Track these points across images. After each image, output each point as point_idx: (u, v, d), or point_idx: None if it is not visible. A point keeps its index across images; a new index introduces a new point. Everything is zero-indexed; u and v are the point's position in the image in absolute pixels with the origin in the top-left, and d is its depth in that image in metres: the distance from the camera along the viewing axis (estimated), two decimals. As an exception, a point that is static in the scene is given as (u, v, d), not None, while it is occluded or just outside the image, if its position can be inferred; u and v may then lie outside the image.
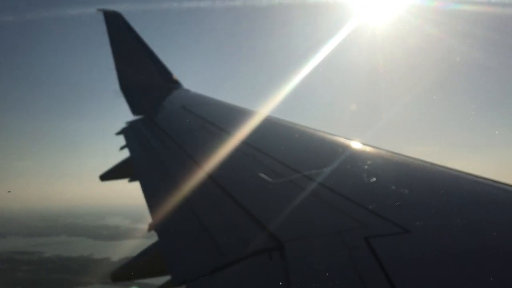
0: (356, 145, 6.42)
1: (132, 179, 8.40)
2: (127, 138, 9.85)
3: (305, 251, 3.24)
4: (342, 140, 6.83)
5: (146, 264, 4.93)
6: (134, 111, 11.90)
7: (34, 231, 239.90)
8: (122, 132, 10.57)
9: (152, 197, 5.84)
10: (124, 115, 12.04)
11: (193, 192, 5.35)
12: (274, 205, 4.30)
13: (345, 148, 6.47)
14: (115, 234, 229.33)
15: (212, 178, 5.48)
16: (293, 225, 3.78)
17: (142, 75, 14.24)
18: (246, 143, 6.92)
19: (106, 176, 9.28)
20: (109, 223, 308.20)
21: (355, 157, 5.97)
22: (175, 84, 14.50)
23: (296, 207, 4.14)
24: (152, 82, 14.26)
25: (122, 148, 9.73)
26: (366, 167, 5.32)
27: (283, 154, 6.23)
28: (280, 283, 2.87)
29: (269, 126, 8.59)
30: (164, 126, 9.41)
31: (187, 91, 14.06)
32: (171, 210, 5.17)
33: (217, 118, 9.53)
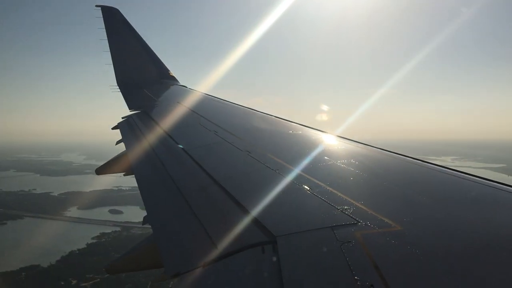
0: (347, 142, 6.59)
1: (127, 173, 8.45)
2: (123, 133, 9.91)
3: (297, 246, 3.24)
4: (331, 136, 7.08)
5: (140, 257, 4.95)
6: (131, 106, 11.97)
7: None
8: (118, 126, 10.67)
9: (147, 190, 5.90)
10: (121, 110, 12.43)
11: (187, 186, 5.41)
12: (267, 199, 4.21)
13: (337, 143, 6.64)
14: (66, 170, 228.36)
15: (206, 172, 5.52)
16: (286, 220, 3.79)
17: (139, 70, 14.35)
18: (239, 138, 7.06)
19: (102, 170, 9.35)
20: (64, 158, 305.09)
21: (347, 153, 6.06)
22: (172, 80, 14.72)
23: (290, 202, 4.20)
24: (149, 77, 14.38)
25: (118, 142, 9.84)
26: (358, 163, 5.37)
27: (276, 150, 6.38)
28: (272, 277, 2.89)
29: (263, 123, 8.69)
30: (160, 121, 9.42)
31: (183, 87, 14.16)
32: (165, 203, 5.26)
33: (212, 114, 9.57)
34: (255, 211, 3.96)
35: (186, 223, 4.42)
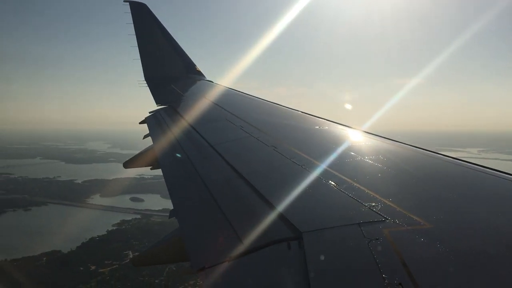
0: (374, 137, 6.54)
1: (154, 167, 8.60)
2: (150, 127, 10.03)
3: (323, 242, 3.23)
4: (358, 131, 7.06)
5: (166, 250, 5.00)
6: (158, 100, 12.10)
7: (11, 154, 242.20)
8: (146, 121, 10.83)
9: (174, 185, 5.94)
10: (146, 100, 13.08)
11: (213, 180, 5.43)
12: (293, 195, 4.23)
13: (364, 139, 6.61)
14: (90, 158, 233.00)
15: (232, 166, 5.55)
16: (312, 216, 3.80)
17: (166, 65, 14.51)
18: (265, 133, 7.06)
19: (129, 164, 9.50)
20: (89, 147, 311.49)
21: (374, 149, 6.04)
22: (198, 74, 14.80)
23: (316, 198, 4.20)
24: (176, 72, 14.51)
25: (145, 136, 9.98)
26: (385, 159, 5.34)
27: (303, 146, 6.37)
28: (298, 273, 2.88)
29: (289, 118, 8.72)
30: (186, 116, 9.48)
31: (210, 82, 14.23)
32: (191, 198, 5.29)
33: (239, 109, 9.58)
34: (281, 207, 3.97)
35: (212, 218, 4.44)
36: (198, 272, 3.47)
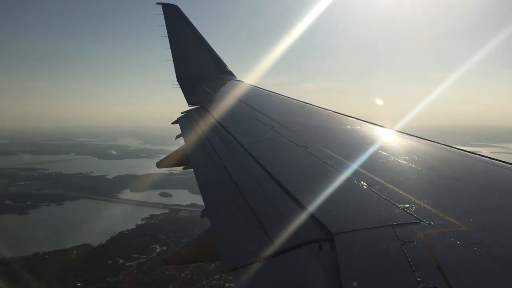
0: (408, 137, 6.46)
1: (186, 167, 8.75)
2: (182, 127, 10.21)
3: (356, 244, 3.19)
4: (391, 131, 6.97)
5: (198, 250, 5.05)
6: (189, 101, 12.27)
7: (46, 150, 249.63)
8: (178, 121, 11.07)
9: (205, 184, 6.01)
10: (179, 101, 13.26)
11: (245, 181, 5.43)
12: (325, 195, 4.19)
13: (397, 139, 6.54)
14: (122, 154, 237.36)
15: (263, 167, 5.54)
16: (343, 217, 3.78)
17: (197, 66, 14.72)
18: (296, 133, 7.05)
19: (162, 164, 9.77)
20: (121, 143, 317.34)
21: (408, 149, 5.97)
22: (229, 75, 14.97)
23: (348, 199, 4.17)
24: (207, 73, 14.69)
25: (177, 137, 10.19)
26: (420, 159, 5.27)
27: (334, 146, 6.30)
28: (330, 275, 2.86)
29: (320, 118, 8.71)
30: (217, 116, 9.55)
31: (240, 82, 14.33)
32: (223, 198, 5.32)
33: (270, 109, 9.60)
34: (312, 207, 3.93)
35: (243, 218, 4.43)
36: (229, 271, 3.48)
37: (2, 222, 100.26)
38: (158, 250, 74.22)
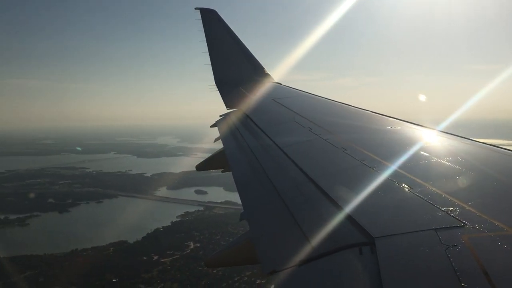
0: (452, 137, 6.29)
1: (225, 170, 8.80)
2: (220, 131, 10.30)
3: (397, 248, 3.12)
4: (433, 131, 6.82)
5: (237, 253, 5.02)
6: (228, 104, 12.40)
7: (88, 149, 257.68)
8: (216, 124, 11.24)
9: (244, 188, 5.99)
10: (218, 103, 13.56)
11: (283, 183, 5.43)
12: (364, 198, 4.14)
13: (440, 139, 6.39)
14: (160, 152, 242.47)
15: (301, 169, 5.52)
16: (384, 220, 3.69)
17: (235, 70, 14.89)
18: (334, 134, 6.99)
19: (201, 167, 9.95)
20: (159, 141, 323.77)
21: (452, 150, 5.81)
22: (267, 77, 14.99)
23: (388, 201, 4.09)
24: (245, 76, 14.80)
25: (216, 140, 10.30)
26: (464, 160, 5.12)
27: (374, 147, 6.19)
28: (371, 280, 2.81)
29: (358, 119, 8.64)
30: (255, 118, 9.60)
31: (278, 84, 14.45)
32: (261, 201, 5.31)
33: (307, 111, 9.59)
34: (352, 211, 3.87)
35: (282, 221, 4.40)
36: (268, 275, 3.46)
37: (44, 220, 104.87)
38: (191, 247, 75.53)
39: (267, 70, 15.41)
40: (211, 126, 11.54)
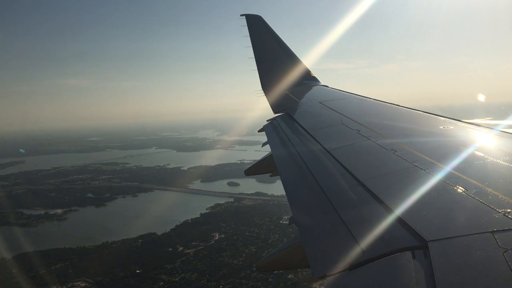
0: (507, 136, 6.12)
1: (274, 174, 8.90)
2: (268, 135, 10.34)
3: (452, 252, 3.04)
4: (489, 130, 6.63)
5: (287, 257, 5.03)
6: (275, 110, 12.56)
7: (131, 145, 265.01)
8: (264, 129, 11.32)
9: (293, 192, 6.00)
10: (266, 112, 13.93)
11: (333, 187, 5.40)
12: (417, 201, 4.06)
13: (497, 139, 6.22)
14: (199, 146, 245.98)
15: (350, 172, 5.50)
16: (438, 223, 3.61)
17: (282, 74, 14.93)
18: (384, 136, 6.88)
19: (250, 171, 10.20)
20: (200, 135, 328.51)
21: (509, 149, 5.67)
22: (313, 80, 15.14)
23: (442, 204, 3.99)
24: (292, 80, 14.85)
25: (264, 144, 10.46)
26: None
27: (426, 148, 6.04)
28: (424, 284, 2.76)
29: (409, 119, 8.47)
30: (302, 122, 9.63)
31: (325, 86, 14.48)
32: (312, 205, 5.24)
33: (355, 113, 9.50)
34: (403, 213, 3.82)
35: (332, 225, 4.35)
36: (319, 279, 3.41)
37: (81, 214, 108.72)
38: (216, 238, 77.00)
39: (313, 73, 15.44)
40: (258, 131, 11.69)
